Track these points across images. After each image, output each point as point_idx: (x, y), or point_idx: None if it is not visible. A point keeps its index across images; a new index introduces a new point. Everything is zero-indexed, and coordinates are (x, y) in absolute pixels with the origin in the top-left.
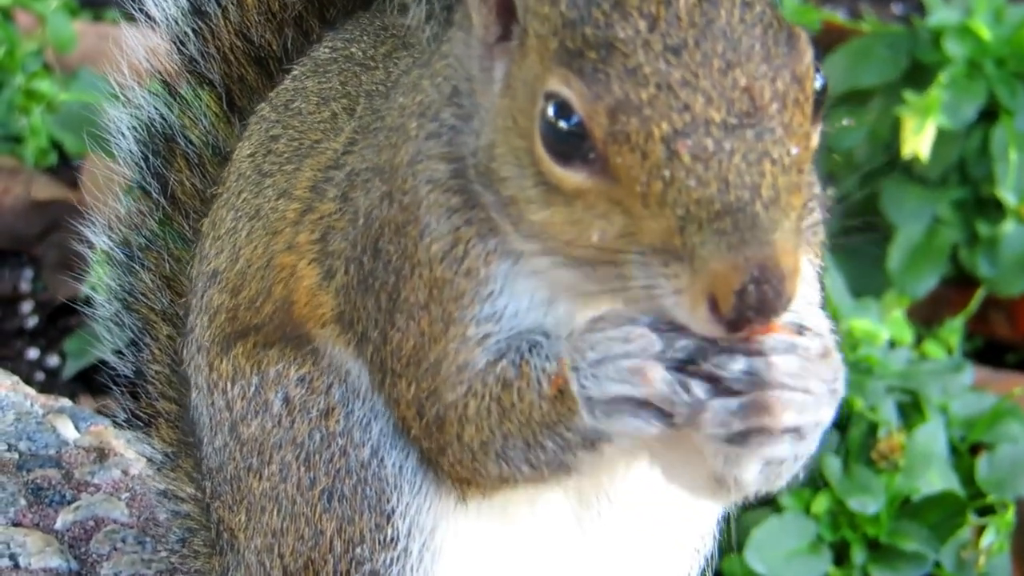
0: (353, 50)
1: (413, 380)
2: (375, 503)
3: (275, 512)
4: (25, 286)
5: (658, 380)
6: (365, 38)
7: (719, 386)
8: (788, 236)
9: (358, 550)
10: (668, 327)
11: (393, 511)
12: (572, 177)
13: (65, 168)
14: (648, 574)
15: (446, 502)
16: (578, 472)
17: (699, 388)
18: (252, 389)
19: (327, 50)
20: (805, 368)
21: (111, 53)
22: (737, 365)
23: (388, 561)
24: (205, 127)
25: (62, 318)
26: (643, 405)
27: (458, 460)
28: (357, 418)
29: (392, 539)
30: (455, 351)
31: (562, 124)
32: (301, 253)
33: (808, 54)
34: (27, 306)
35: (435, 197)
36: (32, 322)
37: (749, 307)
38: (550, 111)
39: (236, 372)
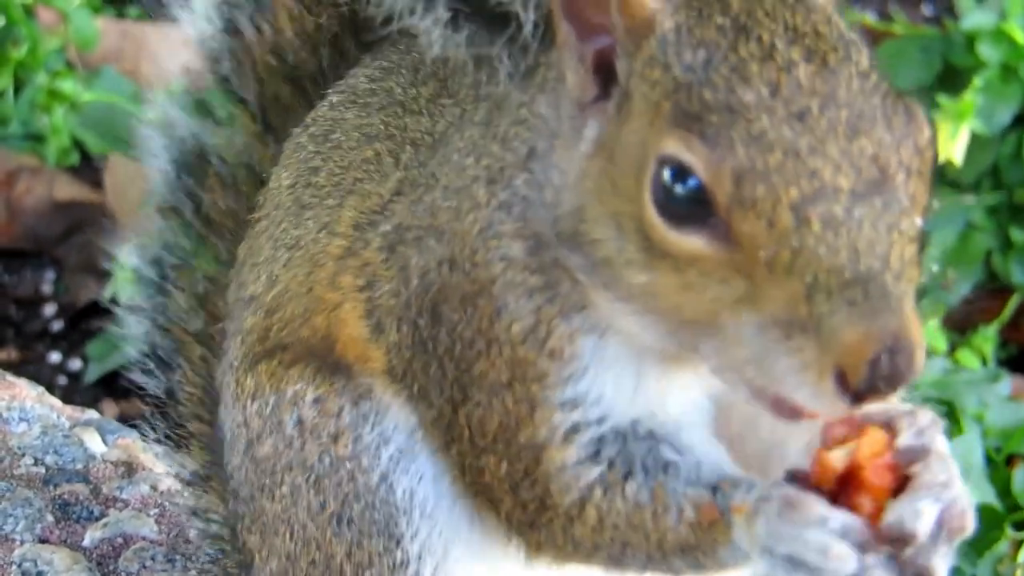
0: (392, 84)
1: (504, 458)
2: (384, 527)
3: (288, 536)
4: (47, 288)
5: (851, 560)
6: (403, 71)
7: None
8: (912, 307)
9: (367, 574)
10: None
11: (403, 535)
12: (688, 242)
13: (87, 168)
14: None
15: (459, 528)
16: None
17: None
18: (269, 408)
19: (365, 79)
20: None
21: (144, 65)
22: (931, 512)
23: None
24: (239, 146)
25: (84, 321)
26: None
27: (555, 544)
28: (365, 443)
29: (403, 563)
30: (548, 442)
31: (679, 188)
32: (344, 294)
33: (927, 127)
34: (49, 309)
35: (512, 276)
36: (55, 325)
37: (881, 377)
38: (666, 175)
39: (257, 388)
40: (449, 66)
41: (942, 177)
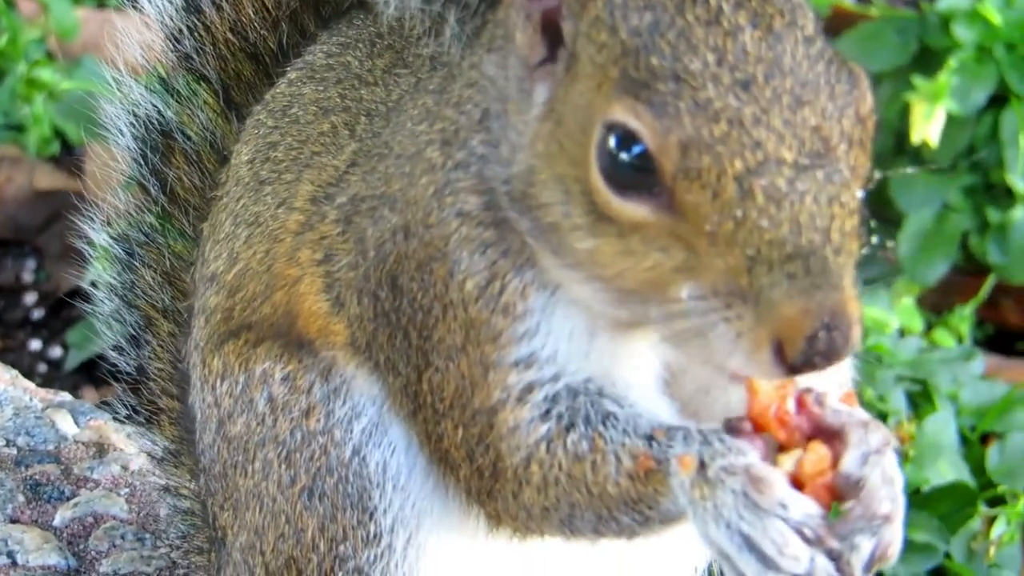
0: (349, 58)
1: (460, 424)
2: (357, 500)
3: (257, 510)
4: (28, 276)
5: (803, 561)
6: (361, 45)
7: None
8: (851, 282)
9: (341, 547)
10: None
11: (376, 508)
12: (632, 209)
13: (68, 157)
14: None
15: (431, 500)
16: (643, 539)
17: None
18: (239, 387)
19: (322, 55)
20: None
21: (108, 48)
22: (865, 547)
23: (372, 558)
24: (203, 123)
25: (65, 309)
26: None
27: (509, 513)
28: (338, 417)
29: (376, 535)
30: (501, 404)
31: (624, 155)
32: (303, 269)
33: (869, 94)
34: (30, 297)
35: (467, 231)
36: (35, 313)
37: (818, 353)
38: (611, 141)
39: (226, 369)
40: (405, 37)
41: (918, 158)
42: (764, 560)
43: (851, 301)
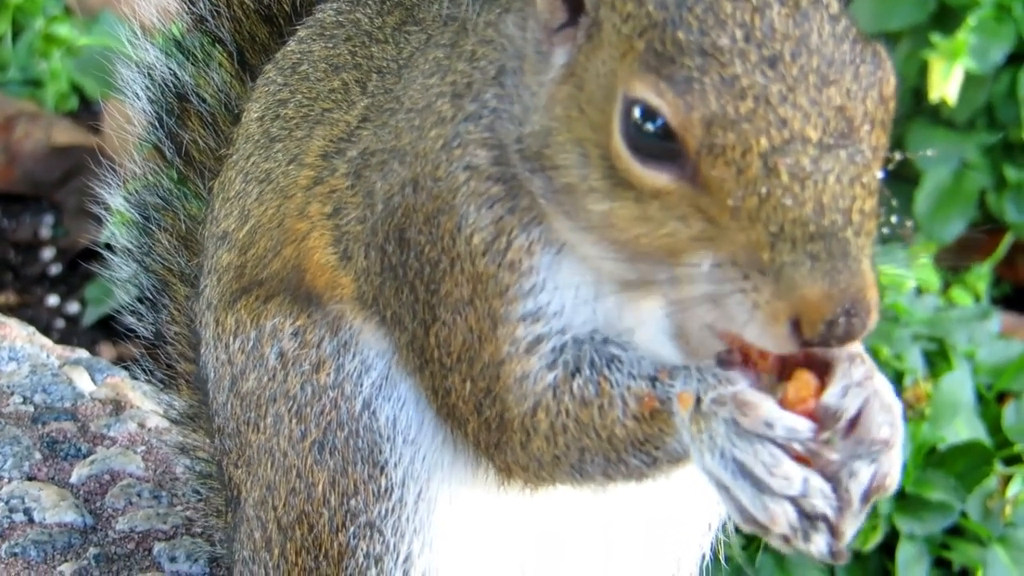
0: (359, 16)
1: (468, 378)
2: (367, 455)
3: (269, 465)
4: (46, 232)
5: (796, 482)
6: (370, 3)
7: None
8: (871, 264)
9: (352, 502)
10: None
11: (387, 462)
12: (655, 177)
13: (86, 112)
14: (648, 549)
15: (441, 454)
16: (653, 480)
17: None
18: (251, 343)
19: (332, 12)
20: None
21: (124, 10)
22: (864, 473)
23: (383, 512)
24: (217, 85)
25: (82, 264)
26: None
27: (519, 463)
28: (348, 372)
29: (387, 490)
30: (509, 357)
31: (648, 126)
32: (313, 223)
33: (893, 75)
34: (48, 252)
35: (475, 185)
36: (53, 269)
37: (835, 336)
38: (636, 112)
39: (238, 326)
40: None
41: (936, 116)
42: (757, 484)
43: (871, 287)
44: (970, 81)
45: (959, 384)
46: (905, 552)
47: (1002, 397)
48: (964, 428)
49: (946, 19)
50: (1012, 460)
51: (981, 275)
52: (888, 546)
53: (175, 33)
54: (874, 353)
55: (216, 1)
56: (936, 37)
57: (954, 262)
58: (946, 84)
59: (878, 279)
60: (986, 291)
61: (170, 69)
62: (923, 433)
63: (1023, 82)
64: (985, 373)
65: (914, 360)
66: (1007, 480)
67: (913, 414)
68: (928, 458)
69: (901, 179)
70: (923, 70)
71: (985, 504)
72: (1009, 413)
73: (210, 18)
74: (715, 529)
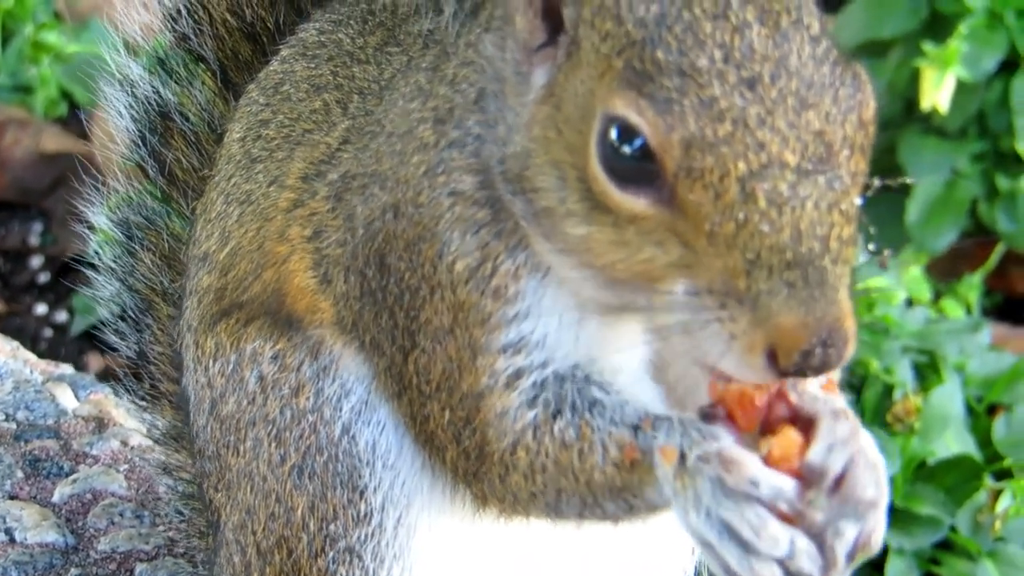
0: (341, 36)
1: (447, 406)
2: (347, 480)
3: (248, 489)
4: (34, 240)
5: (782, 543)
6: (352, 23)
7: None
8: (848, 293)
9: (331, 527)
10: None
11: (366, 487)
12: (631, 201)
13: (75, 119)
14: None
15: (420, 479)
16: (629, 524)
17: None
18: (231, 366)
19: (315, 32)
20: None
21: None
22: (850, 533)
23: (363, 537)
24: (201, 104)
25: (71, 273)
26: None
27: (495, 495)
28: (327, 396)
29: (366, 515)
30: (489, 390)
31: (625, 148)
32: (293, 246)
33: (872, 98)
34: (36, 260)
35: (460, 211)
36: (41, 277)
37: (811, 366)
38: (613, 133)
39: (218, 349)
40: (398, 15)
41: (928, 124)
42: (744, 546)
43: (847, 317)
44: (962, 89)
45: (949, 397)
46: (894, 567)
47: (993, 409)
48: (954, 442)
49: (938, 27)
50: (1002, 474)
51: (972, 285)
52: (877, 561)
53: (158, 51)
54: (863, 366)
55: (199, 19)
56: (928, 45)
57: (945, 272)
58: (938, 92)
59: (856, 308)
60: (977, 301)
61: (153, 87)
62: (912, 447)
63: (1015, 90)
64: (976, 385)
65: (904, 373)
66: (997, 494)
67: (902, 428)
68: (917, 472)
69: (892, 189)
70: (915, 78)
71: (975, 518)
72: (1000, 426)
73: (193, 36)
74: (694, 560)
